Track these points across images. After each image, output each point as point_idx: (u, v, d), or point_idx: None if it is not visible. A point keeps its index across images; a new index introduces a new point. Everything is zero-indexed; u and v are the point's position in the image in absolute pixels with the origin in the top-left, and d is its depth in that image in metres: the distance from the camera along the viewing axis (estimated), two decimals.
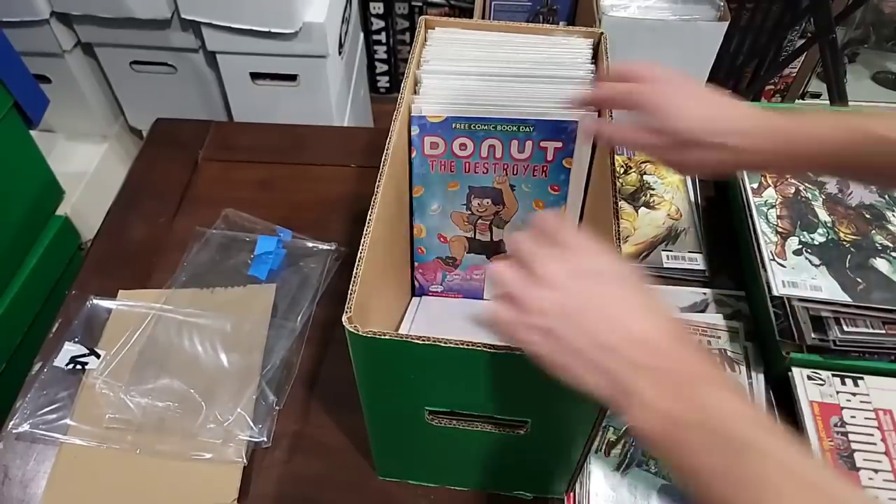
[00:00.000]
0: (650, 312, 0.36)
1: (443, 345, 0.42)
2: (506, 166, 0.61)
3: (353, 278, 0.45)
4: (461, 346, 0.42)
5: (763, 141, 0.44)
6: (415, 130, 0.59)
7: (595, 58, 0.63)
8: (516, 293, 0.37)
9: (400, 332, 0.55)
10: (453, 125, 0.59)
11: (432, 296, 0.74)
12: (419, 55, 0.62)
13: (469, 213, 0.65)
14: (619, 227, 0.48)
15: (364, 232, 0.48)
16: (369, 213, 0.49)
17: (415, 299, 0.73)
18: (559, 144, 0.59)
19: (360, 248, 0.47)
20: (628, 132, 0.49)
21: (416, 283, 0.73)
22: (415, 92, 0.59)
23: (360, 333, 0.42)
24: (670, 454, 0.33)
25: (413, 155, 0.61)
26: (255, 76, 1.27)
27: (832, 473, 0.32)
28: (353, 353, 0.46)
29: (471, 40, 0.64)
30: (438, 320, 0.70)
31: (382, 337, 0.42)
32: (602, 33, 0.63)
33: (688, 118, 0.44)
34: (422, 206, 0.65)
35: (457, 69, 0.61)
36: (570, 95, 0.56)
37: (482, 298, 0.74)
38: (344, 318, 0.42)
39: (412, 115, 0.58)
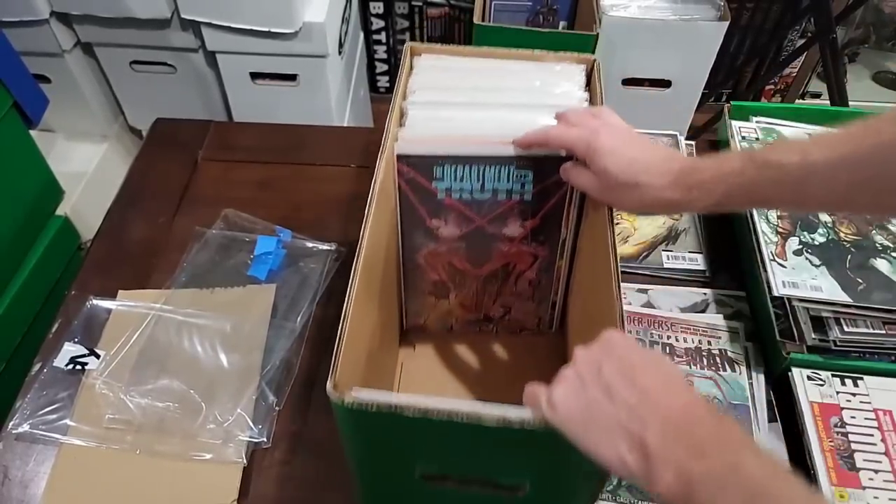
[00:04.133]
0: (683, 392, 0.39)
1: (435, 417, 0.39)
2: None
3: (338, 336, 0.42)
4: (454, 420, 0.39)
5: (663, 176, 0.49)
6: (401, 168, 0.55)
7: (588, 85, 0.60)
8: (566, 373, 0.41)
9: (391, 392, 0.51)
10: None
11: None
12: (405, 85, 0.59)
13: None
14: (614, 234, 0.49)
15: (349, 283, 0.45)
16: (354, 261, 0.46)
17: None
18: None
19: (346, 302, 0.44)
20: (580, 174, 0.53)
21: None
22: (400, 124, 0.57)
23: (346, 405, 0.39)
24: None
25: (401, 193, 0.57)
26: (254, 76, 1.27)
27: None
28: (339, 423, 0.43)
29: (458, 68, 0.61)
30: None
31: (370, 410, 0.39)
32: (595, 60, 0.61)
33: (616, 162, 0.50)
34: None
35: (444, 99, 0.58)
36: (525, 137, 0.55)
37: None
38: (328, 386, 0.39)
39: (397, 153, 0.54)
